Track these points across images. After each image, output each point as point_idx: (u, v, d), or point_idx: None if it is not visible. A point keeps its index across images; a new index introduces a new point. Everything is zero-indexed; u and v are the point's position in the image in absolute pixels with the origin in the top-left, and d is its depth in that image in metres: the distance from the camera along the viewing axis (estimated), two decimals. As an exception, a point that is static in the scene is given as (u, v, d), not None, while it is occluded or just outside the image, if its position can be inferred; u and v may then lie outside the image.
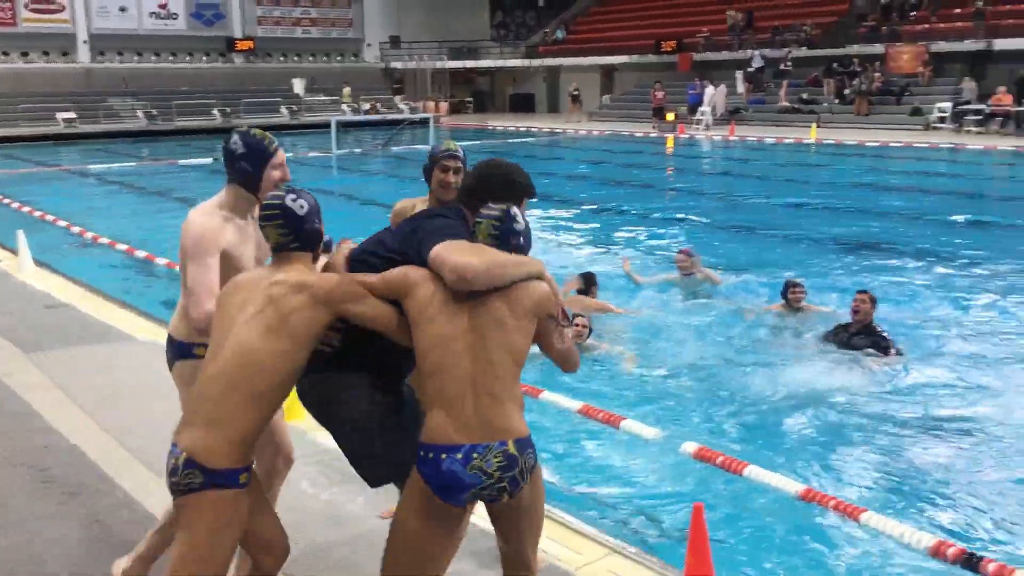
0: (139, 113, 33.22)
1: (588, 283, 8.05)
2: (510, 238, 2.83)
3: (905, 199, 15.81)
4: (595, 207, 15.57)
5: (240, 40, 39.26)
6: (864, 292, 7.22)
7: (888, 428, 5.75)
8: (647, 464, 4.84)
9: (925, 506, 4.72)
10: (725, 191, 17.67)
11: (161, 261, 10.38)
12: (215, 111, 34.13)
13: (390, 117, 32.49)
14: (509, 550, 2.89)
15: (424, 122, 29.60)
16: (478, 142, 29.05)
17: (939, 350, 7.19)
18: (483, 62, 43.00)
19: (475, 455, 2.63)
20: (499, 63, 42.84)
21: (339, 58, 42.34)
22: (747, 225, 13.48)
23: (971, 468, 5.18)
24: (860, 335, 7.02)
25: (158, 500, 3.72)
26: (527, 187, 3.00)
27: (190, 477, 2.62)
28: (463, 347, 2.70)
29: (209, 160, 24.90)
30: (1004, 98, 24.66)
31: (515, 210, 2.87)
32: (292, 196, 2.84)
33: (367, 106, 36.51)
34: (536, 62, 41.44)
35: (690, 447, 4.45)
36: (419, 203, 3.81)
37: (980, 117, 24.84)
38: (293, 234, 2.81)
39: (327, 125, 27.38)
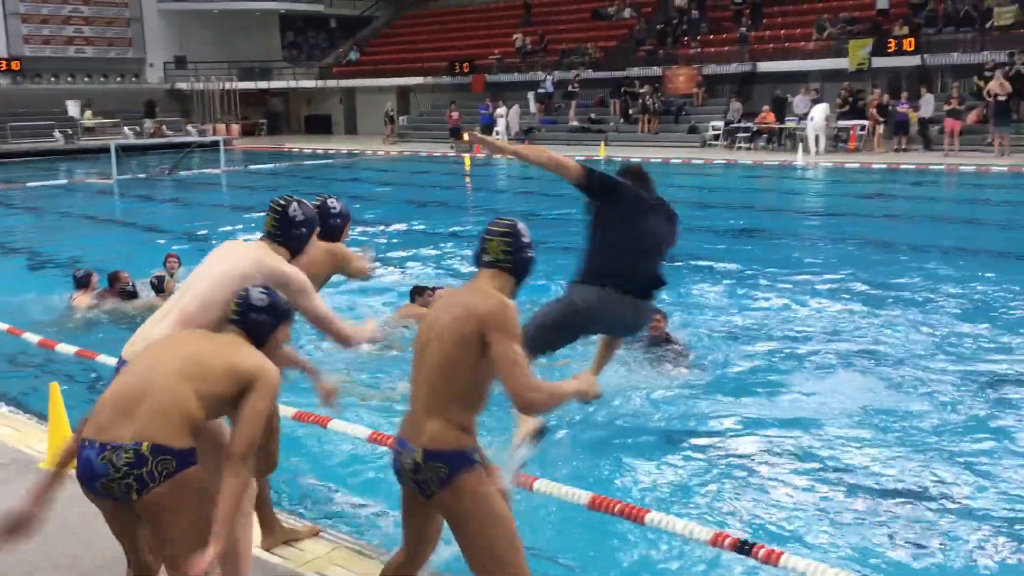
0: None
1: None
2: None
3: (687, 210, 16.80)
4: (396, 227, 15.55)
5: (4, 60, 36.33)
6: (655, 312, 7.53)
7: (675, 429, 6.05)
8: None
9: (709, 501, 5.00)
10: (520, 207, 18.13)
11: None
12: (-22, 136, 31.42)
13: (176, 140, 31.04)
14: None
15: (214, 145, 28.52)
16: (272, 165, 28.33)
17: (726, 353, 7.62)
18: (276, 83, 42.03)
19: (403, 450, 3.08)
20: (293, 84, 42.01)
21: (119, 79, 40.05)
22: (539, 240, 13.85)
23: (750, 462, 5.53)
24: (655, 346, 7.36)
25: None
26: None
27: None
28: (418, 358, 3.13)
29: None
30: (768, 116, 26.80)
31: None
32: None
33: (151, 129, 34.76)
34: (331, 83, 40.97)
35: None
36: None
37: (748, 134, 26.87)
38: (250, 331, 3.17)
39: (106, 150, 25.80)
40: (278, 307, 3.22)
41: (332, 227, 3.91)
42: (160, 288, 9.10)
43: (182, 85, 40.31)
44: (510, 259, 3.23)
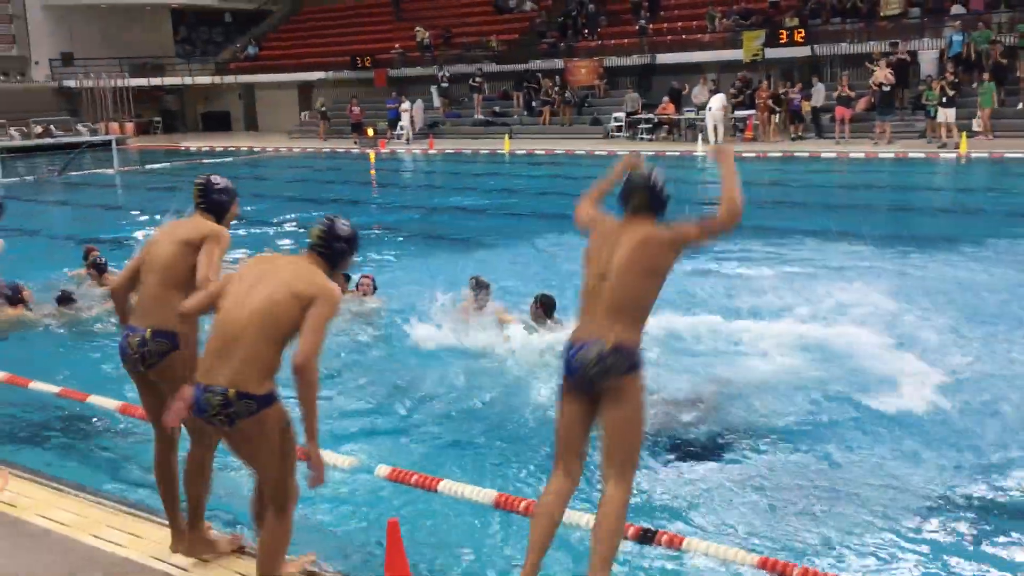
0: None
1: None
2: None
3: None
4: (299, 225, 15.28)
5: None
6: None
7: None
8: (347, 492, 4.81)
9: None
10: (425, 201, 18.08)
11: None
12: None
13: (66, 140, 29.80)
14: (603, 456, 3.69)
15: (107, 144, 27.50)
16: (168, 164, 27.51)
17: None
18: (170, 79, 40.73)
19: (587, 344, 3.63)
20: (188, 80, 40.78)
21: (2, 78, 38.21)
22: (446, 234, 13.85)
23: (648, 451, 5.61)
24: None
25: None
26: None
27: (246, 405, 3.39)
28: (599, 284, 3.74)
29: None
30: (668, 107, 27.28)
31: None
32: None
33: (39, 129, 33.29)
34: (229, 79, 39.94)
35: (384, 470, 4.47)
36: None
37: (650, 125, 27.31)
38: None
39: (-10, 152, 24.64)
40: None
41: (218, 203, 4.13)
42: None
43: (70, 83, 38.71)
44: (655, 204, 3.92)
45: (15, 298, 8.63)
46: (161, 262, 3.94)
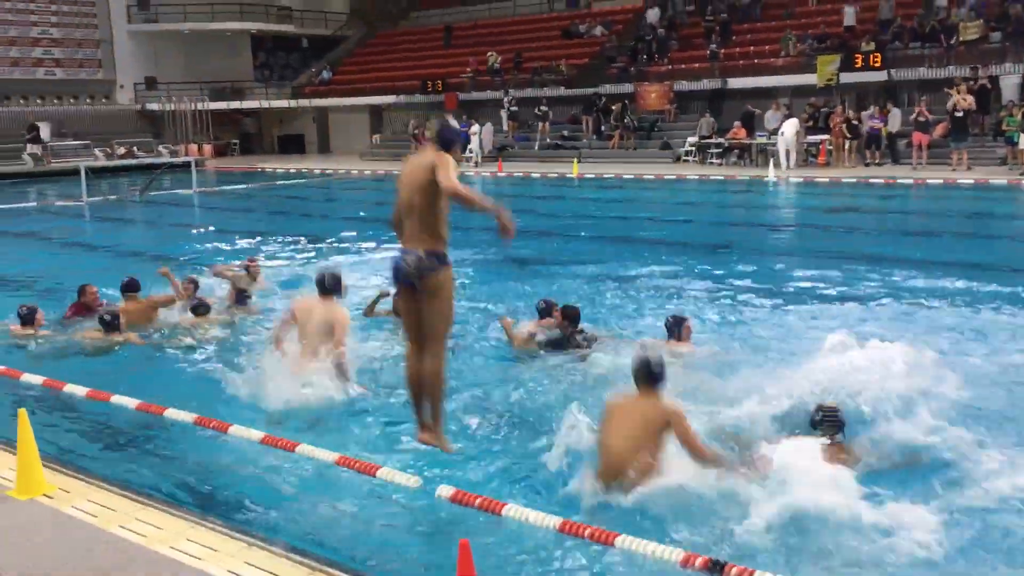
0: None
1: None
2: None
3: (658, 227, 16.89)
4: (372, 245, 15.51)
5: (-28, 83, 35.97)
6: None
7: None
8: (410, 511, 4.83)
9: (676, 522, 4.97)
10: (491, 223, 18.14)
11: None
12: (-55, 159, 31.02)
13: (148, 161, 30.81)
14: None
15: (186, 165, 28.35)
16: (244, 185, 28.20)
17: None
18: (248, 103, 41.87)
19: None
20: (265, 104, 41.89)
21: (89, 100, 39.76)
22: (517, 257, 13.89)
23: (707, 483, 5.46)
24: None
25: None
26: None
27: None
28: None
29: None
30: (739, 132, 27.03)
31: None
32: None
33: (122, 150, 34.49)
34: (304, 103, 40.92)
35: (446, 491, 4.46)
36: None
37: (720, 150, 27.08)
38: None
39: (77, 172, 25.56)
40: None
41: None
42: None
43: (153, 106, 40.07)
44: None
45: (113, 323, 8.71)
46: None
